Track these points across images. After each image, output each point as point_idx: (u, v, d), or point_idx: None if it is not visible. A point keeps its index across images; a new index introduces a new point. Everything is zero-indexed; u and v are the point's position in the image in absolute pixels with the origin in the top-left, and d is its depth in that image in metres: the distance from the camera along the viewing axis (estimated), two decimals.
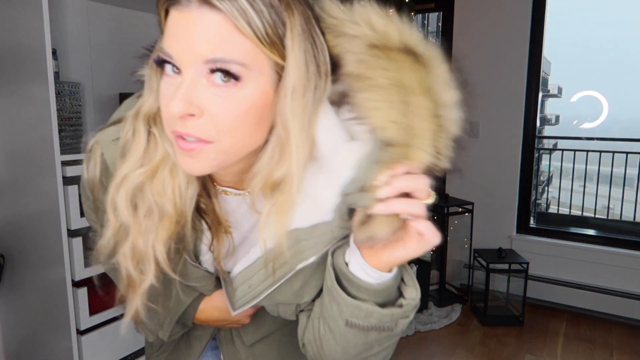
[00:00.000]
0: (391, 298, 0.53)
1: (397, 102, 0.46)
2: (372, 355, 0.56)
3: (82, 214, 1.48)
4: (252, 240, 0.61)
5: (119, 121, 0.58)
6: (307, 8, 0.46)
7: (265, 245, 0.52)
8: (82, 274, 1.49)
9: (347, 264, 0.52)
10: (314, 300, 0.60)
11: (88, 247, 1.63)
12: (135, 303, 0.57)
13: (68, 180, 1.45)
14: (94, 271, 1.53)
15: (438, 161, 0.48)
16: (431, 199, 0.48)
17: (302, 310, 0.62)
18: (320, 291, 0.58)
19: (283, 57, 0.45)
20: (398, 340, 0.57)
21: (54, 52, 1.44)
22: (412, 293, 0.53)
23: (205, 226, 0.59)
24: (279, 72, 0.46)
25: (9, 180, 1.61)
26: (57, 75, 1.49)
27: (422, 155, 0.47)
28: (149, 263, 0.55)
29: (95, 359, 1.56)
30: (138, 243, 0.54)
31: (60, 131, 1.43)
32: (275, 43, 0.44)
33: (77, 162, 1.48)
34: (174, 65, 0.45)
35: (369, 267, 0.50)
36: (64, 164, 1.43)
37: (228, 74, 0.44)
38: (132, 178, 0.52)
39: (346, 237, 0.53)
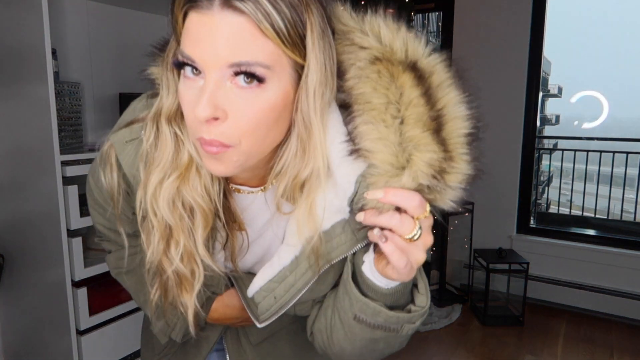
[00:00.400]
0: (401, 302, 0.54)
1: (393, 132, 0.47)
2: (378, 349, 0.58)
3: (81, 214, 1.48)
4: (267, 238, 0.62)
5: (131, 123, 0.58)
6: (322, 7, 0.46)
7: (304, 244, 0.53)
8: (81, 274, 1.49)
9: (362, 263, 0.54)
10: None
11: (88, 247, 1.64)
12: (191, 304, 0.58)
13: (68, 180, 1.45)
14: (93, 271, 1.53)
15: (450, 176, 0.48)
16: (425, 214, 0.47)
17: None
18: (335, 285, 0.61)
19: (303, 56, 0.46)
20: (407, 340, 0.58)
21: (54, 52, 1.44)
22: (423, 301, 0.55)
23: (219, 224, 0.59)
24: (299, 71, 0.47)
25: (9, 180, 1.61)
26: (56, 75, 1.49)
27: (417, 176, 0.47)
28: (196, 262, 0.56)
29: (95, 359, 1.56)
30: (184, 243, 0.55)
31: (59, 131, 1.43)
32: (297, 43, 0.45)
33: (76, 162, 1.48)
34: (194, 68, 0.45)
35: (376, 272, 0.52)
36: (64, 163, 1.43)
37: (252, 76, 0.44)
38: (168, 184, 0.53)
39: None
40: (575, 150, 4.08)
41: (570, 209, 4.22)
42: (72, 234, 1.47)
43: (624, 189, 4.33)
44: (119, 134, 0.58)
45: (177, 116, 0.53)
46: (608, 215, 4.77)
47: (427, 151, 0.46)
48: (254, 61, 0.43)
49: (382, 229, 0.48)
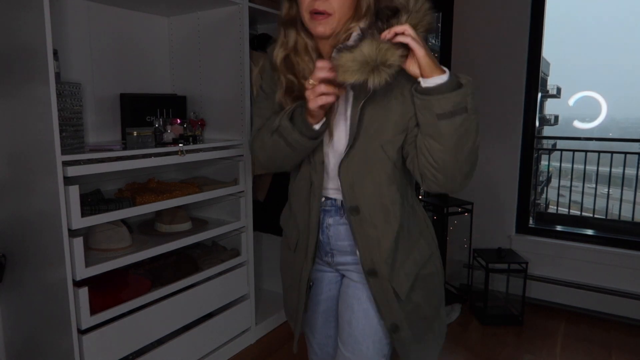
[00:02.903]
0: (454, 87, 0.81)
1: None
2: (467, 139, 0.83)
3: (82, 214, 1.49)
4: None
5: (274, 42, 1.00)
6: None
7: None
8: (82, 273, 1.49)
9: (419, 85, 0.83)
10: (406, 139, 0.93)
11: (89, 247, 1.64)
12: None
13: (69, 181, 1.45)
14: (94, 271, 1.54)
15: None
16: (407, 27, 0.80)
17: (402, 147, 0.94)
18: (399, 131, 0.92)
19: None
20: (477, 120, 0.83)
21: (55, 53, 1.44)
22: (465, 77, 0.82)
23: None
24: None
25: (11, 180, 1.62)
26: (58, 75, 1.50)
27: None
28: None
29: (96, 359, 1.57)
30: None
31: (61, 131, 1.43)
32: None
33: (77, 163, 1.48)
34: None
35: (424, 79, 0.82)
36: (65, 164, 1.43)
37: None
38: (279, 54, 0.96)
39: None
40: (574, 151, 4.08)
41: (569, 209, 4.23)
42: (73, 233, 1.47)
43: (622, 189, 4.33)
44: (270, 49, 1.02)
45: (290, 19, 0.94)
46: (607, 215, 4.78)
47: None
48: None
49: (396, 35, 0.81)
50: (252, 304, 2.25)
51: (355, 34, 0.88)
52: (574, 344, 2.33)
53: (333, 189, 1.01)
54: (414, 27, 0.81)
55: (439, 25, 2.97)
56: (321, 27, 0.87)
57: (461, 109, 0.80)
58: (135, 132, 1.70)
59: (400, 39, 0.79)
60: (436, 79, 0.80)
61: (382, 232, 0.96)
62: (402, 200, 0.97)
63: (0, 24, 1.52)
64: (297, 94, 0.95)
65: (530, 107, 2.77)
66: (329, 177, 1.00)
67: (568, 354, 2.24)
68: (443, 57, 2.96)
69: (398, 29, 0.79)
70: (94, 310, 1.54)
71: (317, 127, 0.91)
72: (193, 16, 2.17)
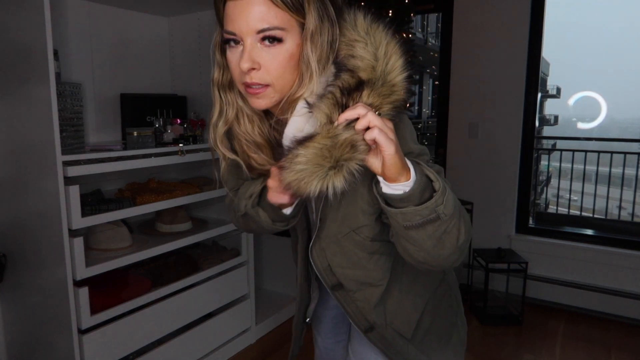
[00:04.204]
0: (426, 196, 0.66)
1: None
2: (446, 241, 0.69)
3: (83, 214, 1.49)
4: None
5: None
6: None
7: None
8: (83, 273, 1.50)
9: (379, 184, 0.68)
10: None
11: (89, 247, 1.64)
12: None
13: (69, 181, 1.45)
14: (95, 271, 1.54)
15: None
16: (368, 115, 0.62)
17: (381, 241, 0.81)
18: (369, 218, 0.77)
19: (304, 17, 0.67)
20: (459, 219, 0.69)
21: (56, 53, 1.45)
22: (437, 185, 0.67)
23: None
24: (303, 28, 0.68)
25: (11, 180, 1.62)
26: (58, 76, 1.50)
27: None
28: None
29: (97, 358, 1.57)
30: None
31: (61, 131, 1.44)
32: (299, 8, 0.67)
33: (78, 163, 1.48)
34: (234, 40, 0.69)
35: (390, 185, 0.65)
36: (65, 164, 1.44)
37: (274, 39, 0.67)
38: (219, 128, 0.83)
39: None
40: (573, 151, 4.09)
41: (569, 209, 4.24)
42: (73, 233, 1.48)
43: (622, 190, 4.34)
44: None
45: (223, 83, 0.80)
46: (606, 215, 4.78)
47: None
48: (273, 26, 0.66)
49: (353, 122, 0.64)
50: (252, 304, 2.25)
51: (299, 106, 0.70)
52: (573, 343, 2.33)
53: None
54: (379, 106, 0.65)
55: (439, 25, 2.97)
56: (260, 101, 0.71)
57: (433, 218, 0.65)
58: (135, 132, 1.70)
59: (366, 136, 0.62)
60: (400, 186, 0.65)
61: (370, 295, 0.85)
62: (393, 263, 0.85)
63: (1, 24, 1.52)
64: (259, 169, 0.81)
65: (530, 107, 2.78)
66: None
67: (567, 353, 2.24)
68: (443, 57, 2.96)
69: (352, 114, 0.62)
70: (94, 310, 1.54)
71: (288, 212, 0.80)
72: (193, 16, 2.17)
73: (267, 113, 0.81)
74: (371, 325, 0.87)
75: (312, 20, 0.67)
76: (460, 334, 0.98)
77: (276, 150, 0.78)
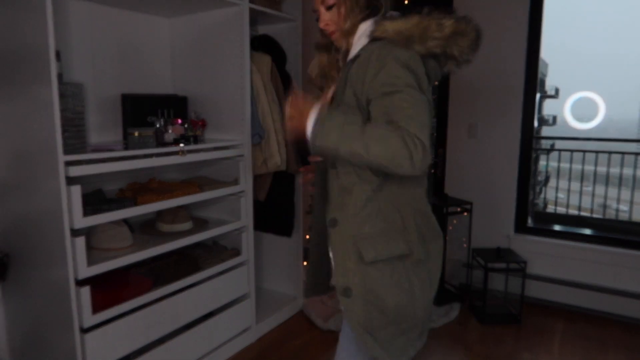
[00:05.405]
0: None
1: None
2: (354, 154, 0.97)
3: (84, 214, 1.50)
4: None
5: None
6: None
7: None
8: (85, 272, 1.51)
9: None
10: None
11: (91, 246, 1.65)
12: None
13: (71, 180, 1.46)
14: (97, 270, 1.55)
15: None
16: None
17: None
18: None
19: None
20: (352, 141, 0.95)
21: (58, 54, 1.45)
22: (317, 127, 1.01)
23: None
24: None
25: (13, 180, 1.62)
26: (60, 76, 1.51)
27: None
28: None
29: (99, 357, 1.58)
30: None
31: (63, 132, 1.44)
32: None
33: (79, 163, 1.49)
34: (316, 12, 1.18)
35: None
36: (67, 164, 1.45)
37: (330, 6, 1.13)
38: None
39: None
40: (572, 151, 4.10)
41: (567, 208, 4.25)
42: (75, 233, 1.48)
43: (619, 189, 4.35)
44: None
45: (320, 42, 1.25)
46: (604, 215, 4.80)
47: None
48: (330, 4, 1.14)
49: None
50: (253, 303, 2.26)
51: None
52: (571, 342, 2.35)
53: None
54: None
55: None
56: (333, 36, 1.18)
57: (319, 145, 1.00)
58: (136, 133, 1.71)
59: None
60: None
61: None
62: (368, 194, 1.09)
63: (3, 26, 1.53)
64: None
65: (529, 108, 2.79)
66: None
67: (566, 352, 2.25)
68: None
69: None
70: (95, 309, 1.55)
71: None
72: (194, 17, 2.18)
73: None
74: (335, 220, 1.13)
75: None
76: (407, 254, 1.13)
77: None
